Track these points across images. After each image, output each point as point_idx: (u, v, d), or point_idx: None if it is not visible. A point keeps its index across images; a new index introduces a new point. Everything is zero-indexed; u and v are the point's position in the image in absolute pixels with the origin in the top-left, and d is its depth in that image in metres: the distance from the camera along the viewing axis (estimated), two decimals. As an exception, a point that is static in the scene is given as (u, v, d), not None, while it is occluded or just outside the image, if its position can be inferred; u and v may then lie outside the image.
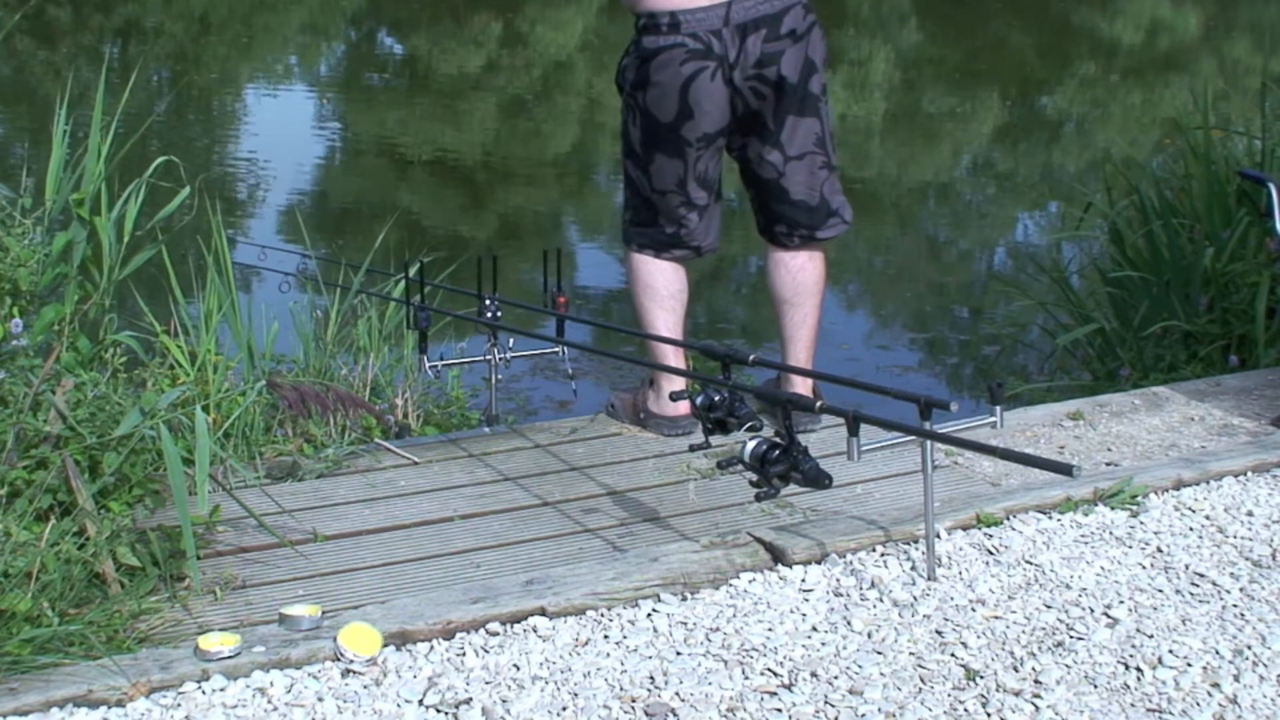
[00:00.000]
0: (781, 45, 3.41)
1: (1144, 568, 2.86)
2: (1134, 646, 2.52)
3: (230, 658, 2.38)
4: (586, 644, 2.51)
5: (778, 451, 2.83)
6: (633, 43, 3.54)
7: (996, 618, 2.63)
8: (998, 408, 2.75)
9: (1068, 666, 2.45)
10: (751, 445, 2.86)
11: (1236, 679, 2.42)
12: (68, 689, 2.26)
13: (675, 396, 3.18)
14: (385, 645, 2.46)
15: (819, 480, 2.83)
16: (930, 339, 7.45)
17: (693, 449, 3.14)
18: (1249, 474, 3.41)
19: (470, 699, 2.31)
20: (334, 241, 7.97)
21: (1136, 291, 5.40)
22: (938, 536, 2.93)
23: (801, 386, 3.79)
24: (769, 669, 2.42)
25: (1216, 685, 2.40)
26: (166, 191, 4.60)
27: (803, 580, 2.76)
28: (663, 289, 3.84)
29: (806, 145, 3.61)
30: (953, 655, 2.48)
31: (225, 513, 3.13)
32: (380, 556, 3.11)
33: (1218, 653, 2.51)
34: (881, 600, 2.69)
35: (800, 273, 3.84)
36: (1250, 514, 3.16)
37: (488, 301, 3.97)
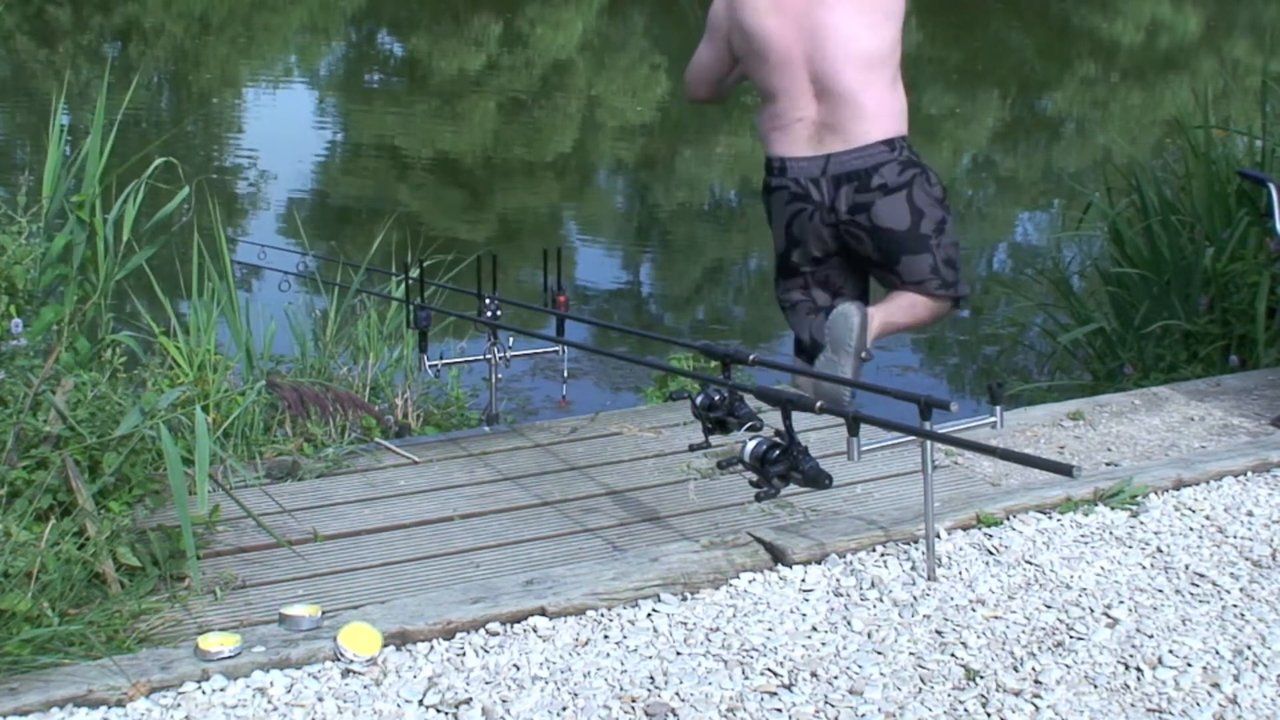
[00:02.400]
0: (871, 197, 3.65)
1: (1144, 568, 2.86)
2: (1134, 646, 2.52)
3: (230, 658, 2.38)
4: (586, 644, 2.51)
5: (778, 451, 2.83)
6: (764, 184, 3.83)
7: (996, 618, 2.63)
8: (998, 408, 2.76)
9: (1068, 666, 2.45)
10: (751, 445, 2.86)
11: (1236, 679, 2.42)
12: (68, 689, 2.26)
13: (675, 396, 3.19)
14: (385, 645, 2.46)
15: (819, 480, 2.83)
16: (930, 339, 7.44)
17: (693, 449, 3.14)
18: (1249, 474, 3.41)
19: (470, 699, 2.31)
20: (333, 241, 7.96)
21: (1137, 291, 5.40)
22: (938, 536, 2.93)
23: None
24: (769, 669, 2.42)
25: (1216, 685, 2.40)
26: (166, 192, 4.60)
27: (803, 580, 2.76)
28: None
29: (922, 274, 3.76)
30: (953, 655, 2.48)
31: (225, 513, 3.13)
32: (380, 556, 3.11)
33: (1218, 653, 2.51)
34: (881, 600, 2.69)
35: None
36: (1250, 514, 3.16)
37: (488, 301, 3.97)
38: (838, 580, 2.77)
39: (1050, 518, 3.09)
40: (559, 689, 2.35)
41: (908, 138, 3.73)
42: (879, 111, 3.65)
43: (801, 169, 3.67)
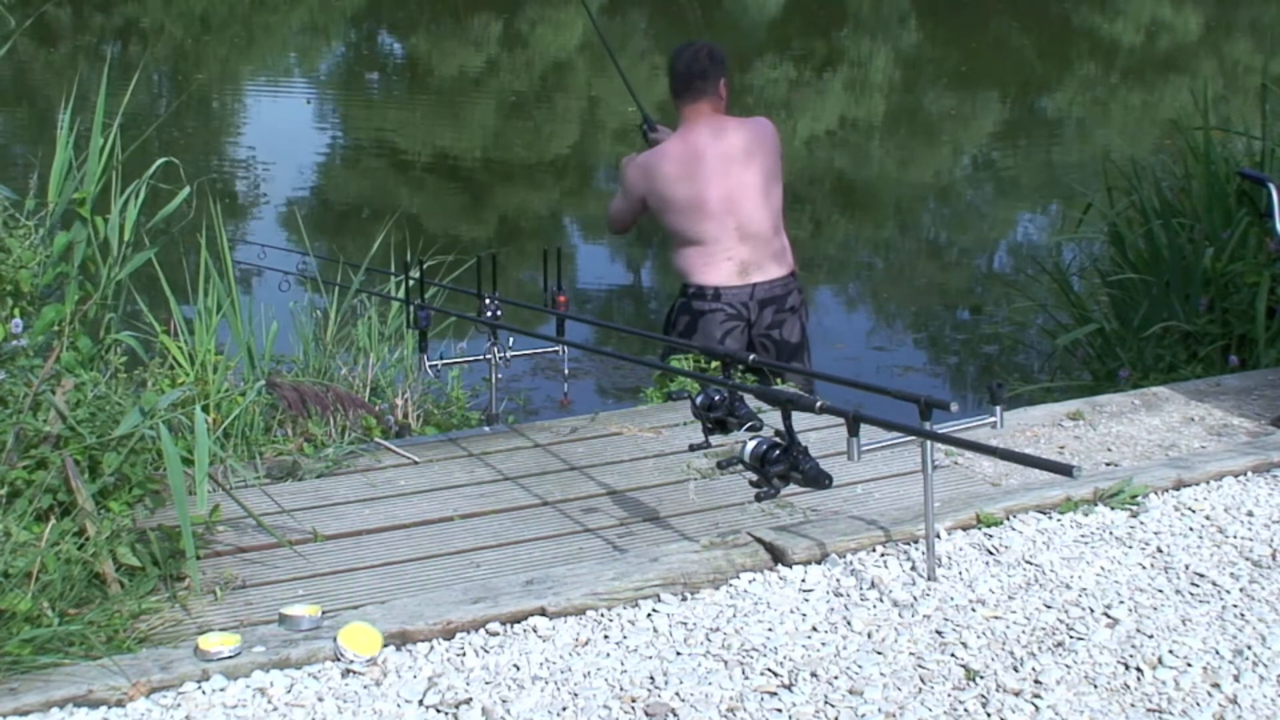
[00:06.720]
0: (784, 316, 4.72)
1: (1144, 568, 2.86)
2: (1134, 646, 2.52)
3: (230, 658, 2.38)
4: (586, 644, 2.51)
5: (778, 451, 2.83)
6: (684, 303, 4.72)
7: (996, 618, 2.63)
8: (998, 408, 2.75)
9: (1068, 666, 2.45)
10: (751, 445, 2.86)
11: (1236, 679, 2.42)
12: (68, 689, 2.26)
13: (675, 396, 3.20)
14: (385, 645, 2.46)
15: (819, 480, 2.83)
16: (930, 339, 7.45)
17: (693, 449, 3.14)
18: (1249, 474, 3.41)
19: (470, 699, 2.31)
20: (334, 241, 7.97)
21: (1136, 292, 5.40)
22: (938, 536, 2.93)
23: None
24: (769, 669, 2.42)
25: (1216, 685, 2.40)
26: (167, 193, 4.59)
27: (803, 580, 2.76)
28: None
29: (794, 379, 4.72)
30: (953, 655, 2.48)
31: (225, 512, 3.13)
32: (380, 556, 3.11)
33: (1218, 653, 2.51)
34: (881, 600, 2.69)
35: None
36: (1250, 514, 3.16)
37: (488, 301, 3.97)
38: (838, 580, 2.77)
39: (1050, 518, 3.09)
40: (559, 689, 2.35)
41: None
42: (785, 252, 4.71)
43: (735, 295, 4.62)
